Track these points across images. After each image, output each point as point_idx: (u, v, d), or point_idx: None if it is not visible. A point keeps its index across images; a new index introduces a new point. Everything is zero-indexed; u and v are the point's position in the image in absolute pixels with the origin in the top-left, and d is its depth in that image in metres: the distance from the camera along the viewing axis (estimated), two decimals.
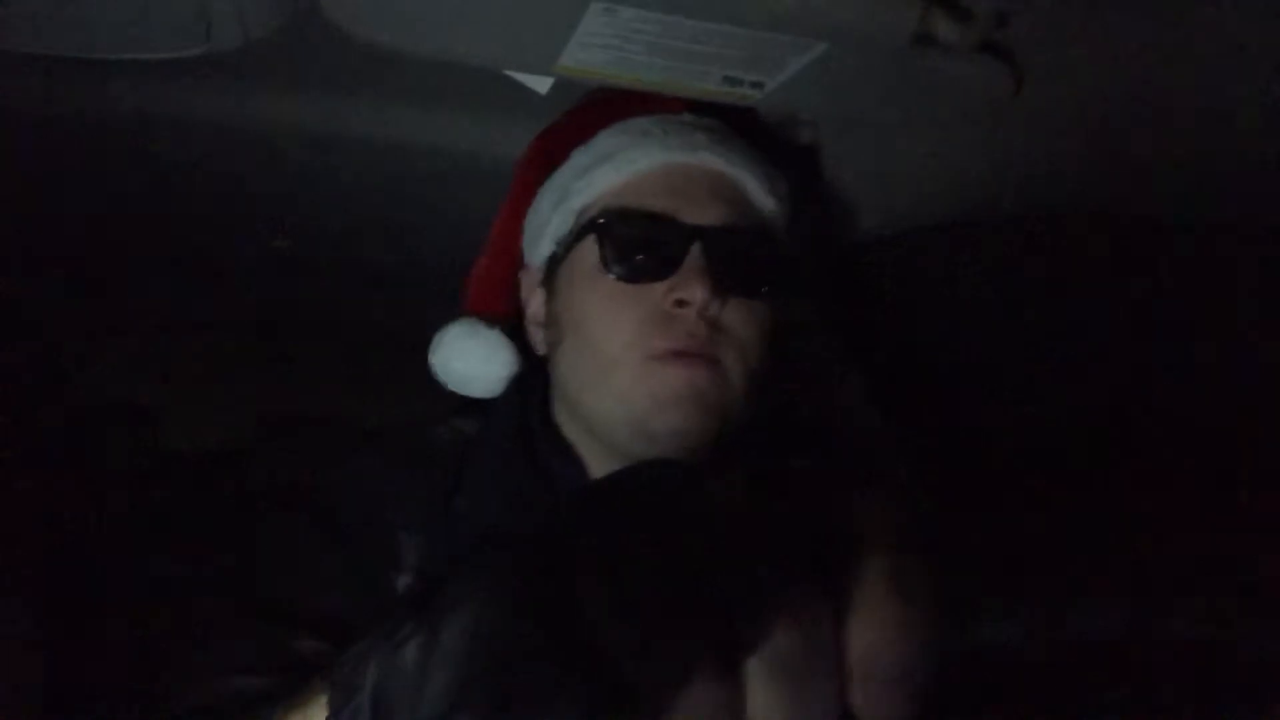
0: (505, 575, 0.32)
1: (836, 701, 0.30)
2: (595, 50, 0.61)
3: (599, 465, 0.70)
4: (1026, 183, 0.84)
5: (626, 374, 0.65)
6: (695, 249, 0.66)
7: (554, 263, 0.73)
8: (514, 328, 0.77)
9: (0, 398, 1.35)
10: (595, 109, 0.75)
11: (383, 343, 1.48)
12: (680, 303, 0.65)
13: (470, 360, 0.76)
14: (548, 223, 0.73)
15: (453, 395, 0.80)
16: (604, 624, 0.29)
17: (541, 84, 0.77)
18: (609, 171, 0.70)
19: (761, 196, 0.71)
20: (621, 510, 0.33)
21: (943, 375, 1.13)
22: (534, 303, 0.76)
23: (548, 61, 0.63)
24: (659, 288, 0.66)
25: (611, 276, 0.67)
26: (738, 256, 0.67)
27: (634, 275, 0.67)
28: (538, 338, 0.75)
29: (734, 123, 0.75)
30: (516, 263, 0.78)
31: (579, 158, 0.72)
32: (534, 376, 0.76)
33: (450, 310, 0.79)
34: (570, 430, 0.72)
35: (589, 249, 0.69)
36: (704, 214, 0.68)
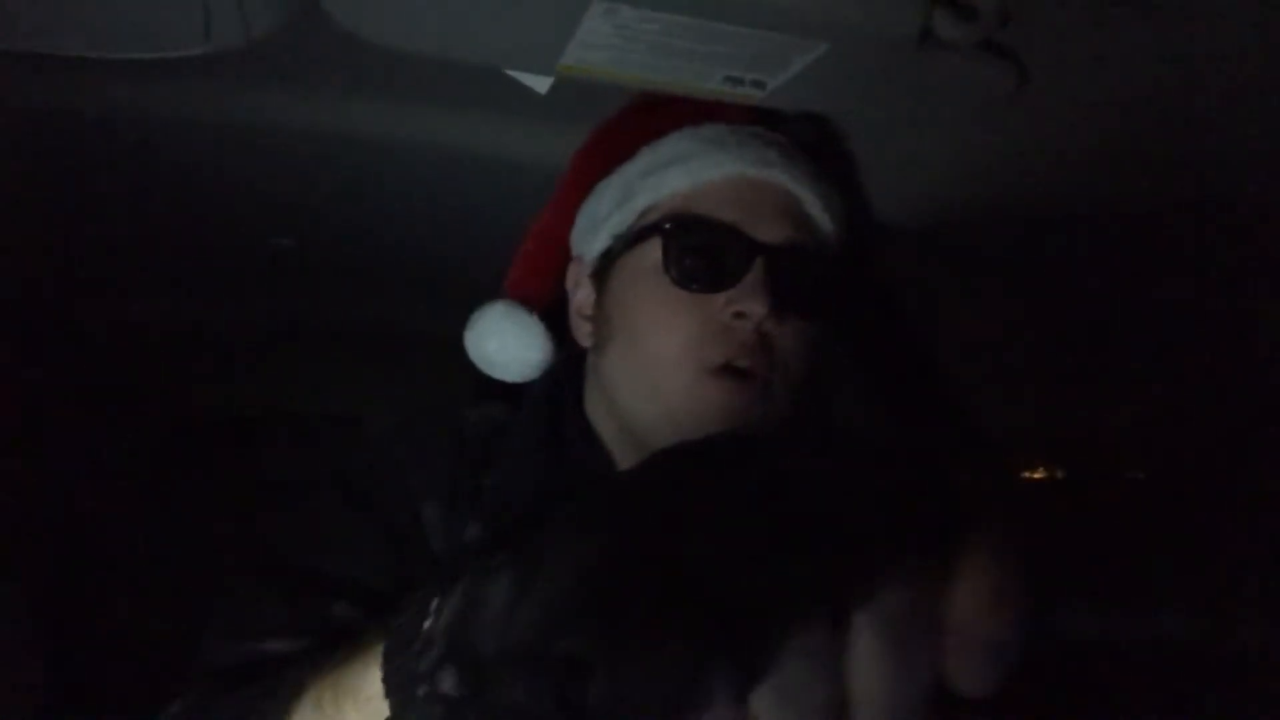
0: (611, 518, 0.32)
1: (933, 664, 0.30)
2: (596, 50, 0.61)
3: (626, 460, 0.70)
4: (1028, 181, 0.84)
5: (678, 384, 0.66)
6: (758, 264, 0.66)
7: (609, 258, 0.73)
8: (552, 315, 0.77)
9: (2, 393, 1.35)
10: (665, 108, 0.75)
11: (384, 341, 1.48)
12: (738, 315, 0.66)
13: (506, 343, 0.76)
14: (607, 218, 0.73)
15: (458, 391, 0.80)
16: (715, 571, 0.29)
17: (542, 84, 0.76)
18: (679, 175, 0.70)
19: (822, 217, 0.72)
20: (734, 465, 0.32)
21: (943, 374, 1.13)
22: (580, 295, 0.76)
23: (549, 61, 0.63)
24: (718, 298, 0.66)
25: (672, 282, 0.67)
26: (797, 276, 0.68)
27: (695, 283, 0.67)
28: (583, 330, 0.75)
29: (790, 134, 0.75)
30: (562, 251, 0.78)
31: (647, 156, 0.72)
32: (569, 366, 0.76)
33: (453, 307, 0.79)
34: (602, 423, 0.72)
35: (651, 251, 0.69)
36: (769, 231, 0.68)
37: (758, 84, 0.66)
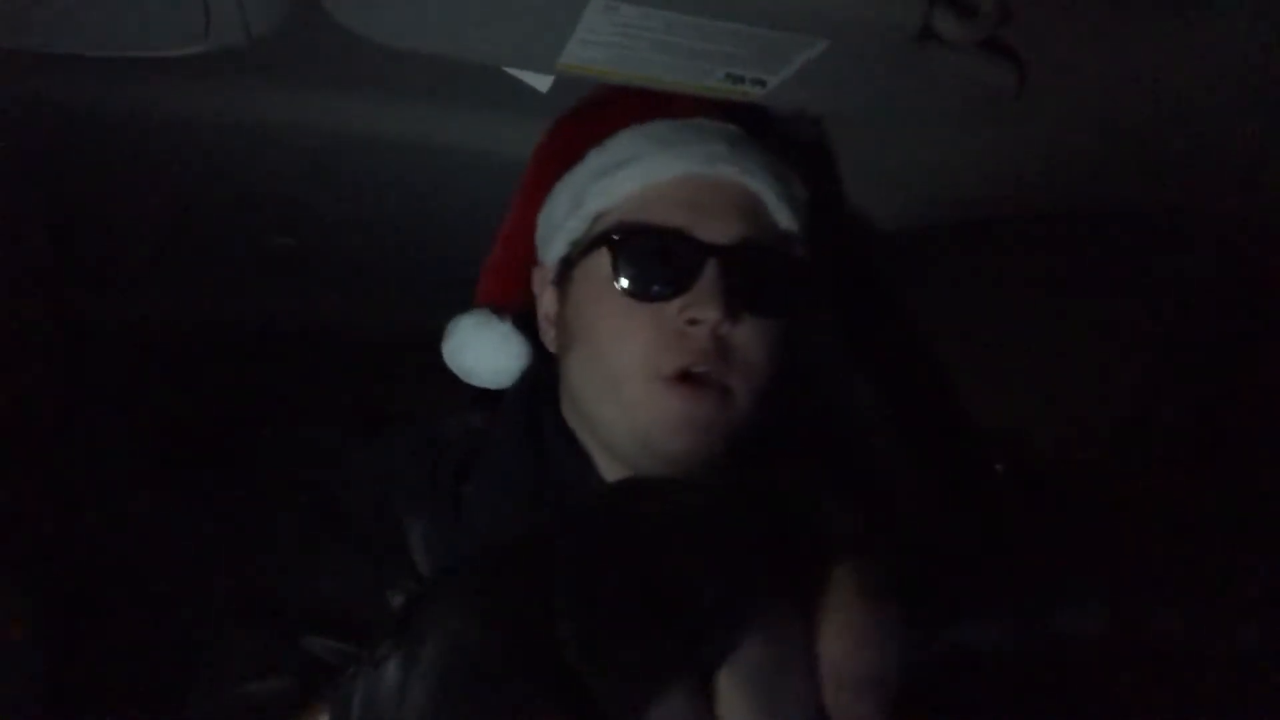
0: (484, 593, 0.32)
1: (810, 708, 0.30)
2: (597, 47, 0.61)
3: (605, 461, 0.70)
4: (1029, 181, 0.83)
5: (635, 392, 0.65)
6: (710, 267, 0.65)
7: (567, 265, 0.72)
8: (527, 319, 0.77)
9: (2, 397, 1.35)
10: (612, 104, 0.74)
11: (385, 340, 1.48)
12: (692, 321, 0.65)
13: (481, 351, 0.76)
14: (562, 224, 0.72)
15: (457, 392, 0.80)
16: (577, 642, 0.29)
17: (542, 82, 0.76)
18: (626, 179, 0.69)
19: (779, 208, 0.70)
20: (597, 528, 0.33)
21: (945, 374, 1.12)
22: (546, 300, 0.75)
23: (549, 59, 0.63)
24: (672, 305, 0.65)
25: (624, 292, 0.66)
26: (753, 275, 0.67)
27: (646, 292, 0.66)
28: (549, 335, 0.75)
29: (751, 123, 0.74)
30: (530, 254, 0.78)
31: (596, 159, 0.71)
32: (544, 369, 0.76)
33: (453, 308, 0.79)
34: (577, 425, 0.72)
35: (602, 260, 0.68)
36: (720, 230, 0.67)
37: (758, 82, 0.66)
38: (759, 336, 0.67)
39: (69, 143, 0.87)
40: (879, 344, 1.04)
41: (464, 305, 0.80)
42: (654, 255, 0.66)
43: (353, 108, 0.82)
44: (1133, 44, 0.65)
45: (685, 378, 0.64)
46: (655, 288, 0.66)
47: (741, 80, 0.66)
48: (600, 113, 0.74)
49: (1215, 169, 0.79)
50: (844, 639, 0.30)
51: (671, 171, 0.68)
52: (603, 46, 0.61)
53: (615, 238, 0.67)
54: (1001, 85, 0.67)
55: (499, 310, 0.77)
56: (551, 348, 0.75)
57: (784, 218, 0.71)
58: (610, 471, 0.70)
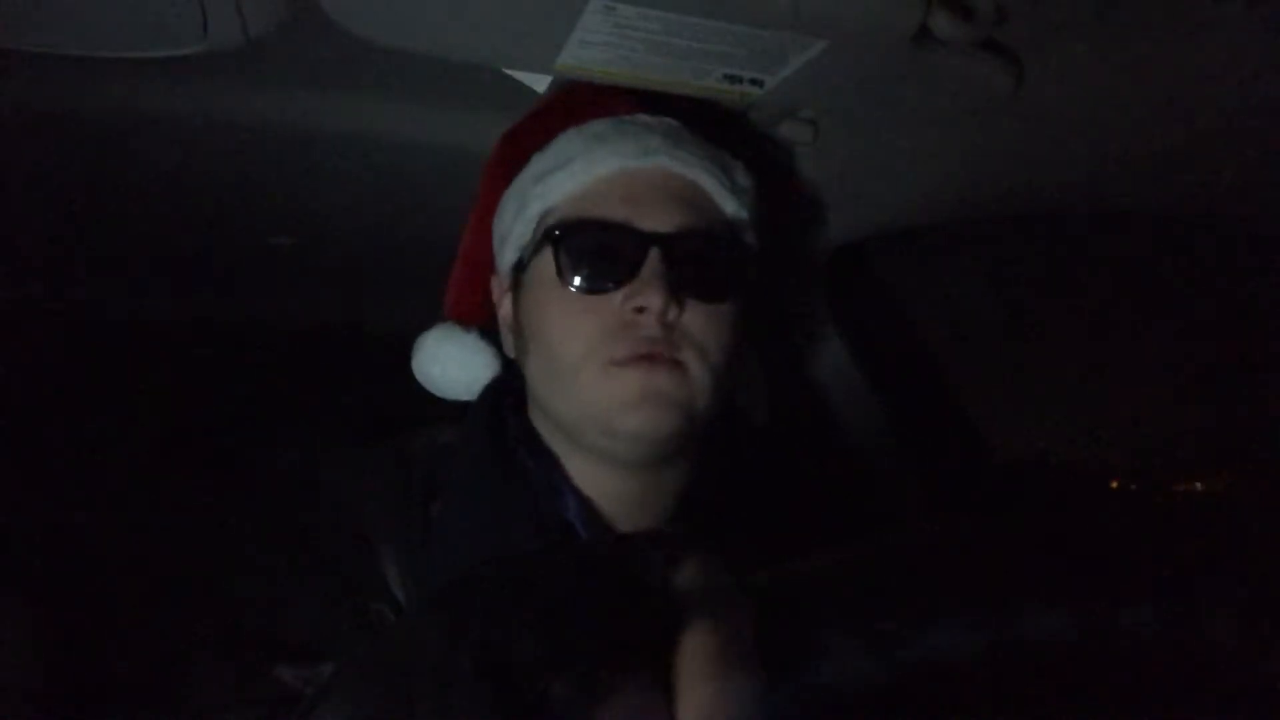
0: (356, 702, 0.34)
1: None
2: (595, 48, 0.61)
3: (573, 462, 0.71)
4: (1025, 181, 0.84)
5: (587, 379, 0.66)
6: (652, 255, 0.66)
7: (519, 270, 0.73)
8: (492, 329, 0.78)
9: (1, 393, 1.35)
10: (554, 110, 0.74)
11: (385, 340, 1.48)
12: (638, 309, 0.65)
13: (447, 365, 0.78)
14: (510, 230, 0.73)
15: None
16: None
17: (540, 82, 0.77)
18: (565, 178, 0.69)
19: (722, 195, 0.71)
20: (456, 617, 0.34)
21: (942, 371, 1.13)
22: (504, 308, 0.76)
23: (548, 59, 0.63)
24: (617, 296, 0.66)
25: (569, 287, 0.67)
26: (696, 261, 0.67)
27: (591, 285, 0.67)
28: (509, 342, 0.76)
29: (710, 120, 0.74)
30: (490, 266, 0.78)
31: (537, 163, 0.72)
32: (510, 378, 0.76)
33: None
34: (544, 429, 0.73)
35: (548, 259, 0.68)
36: (660, 220, 0.67)
37: (756, 82, 0.66)
38: (709, 321, 0.68)
39: (68, 143, 0.87)
40: (877, 343, 1.04)
41: None
42: (596, 248, 0.67)
43: (352, 108, 0.83)
44: (1129, 45, 0.66)
45: (637, 358, 0.65)
46: (599, 280, 0.67)
47: (739, 80, 0.66)
48: (544, 119, 0.75)
49: (1212, 169, 0.79)
50: (699, 708, 0.30)
51: (607, 167, 0.69)
52: (601, 47, 0.61)
53: (557, 234, 0.68)
54: (998, 86, 0.67)
55: (465, 323, 0.78)
56: (511, 353, 0.76)
57: (729, 205, 0.71)
58: (578, 471, 0.70)
